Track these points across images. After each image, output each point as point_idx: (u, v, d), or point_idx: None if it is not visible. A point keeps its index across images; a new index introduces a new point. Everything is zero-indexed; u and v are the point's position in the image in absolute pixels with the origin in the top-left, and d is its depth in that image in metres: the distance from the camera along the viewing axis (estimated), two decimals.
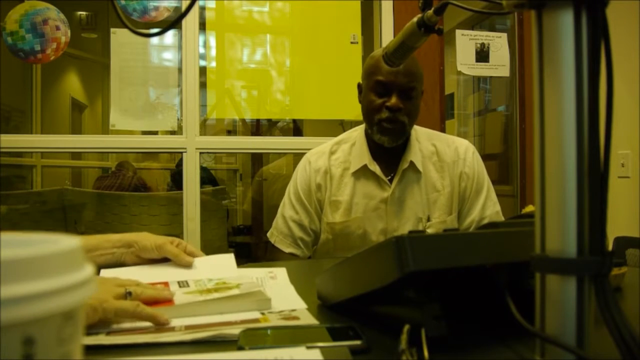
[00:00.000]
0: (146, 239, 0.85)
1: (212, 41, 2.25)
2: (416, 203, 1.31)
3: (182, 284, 0.75)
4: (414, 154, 1.32)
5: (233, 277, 0.77)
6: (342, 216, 1.32)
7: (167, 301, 0.65)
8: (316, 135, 2.31)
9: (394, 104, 1.24)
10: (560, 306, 0.42)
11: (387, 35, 2.30)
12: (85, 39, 4.53)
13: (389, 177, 1.32)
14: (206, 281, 0.75)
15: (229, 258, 0.88)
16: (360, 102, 1.35)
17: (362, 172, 1.33)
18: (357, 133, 1.39)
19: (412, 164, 1.31)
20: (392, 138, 1.28)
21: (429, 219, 1.32)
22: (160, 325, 0.59)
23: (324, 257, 1.37)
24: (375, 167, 1.31)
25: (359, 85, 1.37)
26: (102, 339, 0.54)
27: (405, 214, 1.31)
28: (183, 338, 0.55)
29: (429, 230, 1.29)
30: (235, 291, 0.67)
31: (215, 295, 0.66)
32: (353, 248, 1.31)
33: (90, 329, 0.56)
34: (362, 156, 1.33)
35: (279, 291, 0.74)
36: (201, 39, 2.16)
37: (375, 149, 1.33)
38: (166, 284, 0.75)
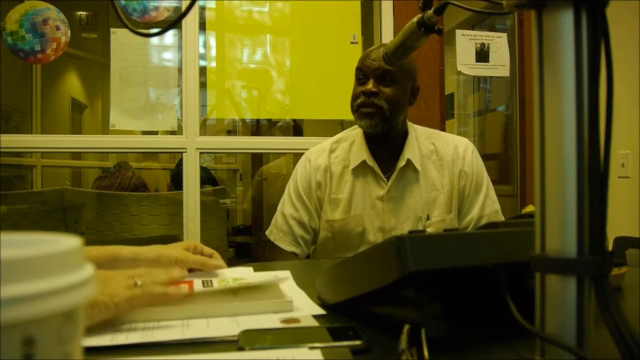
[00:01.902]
0: (164, 255, 0.78)
1: (212, 41, 2.25)
2: (415, 202, 1.32)
3: (207, 284, 0.73)
4: (412, 152, 1.32)
5: (257, 280, 0.76)
6: (341, 213, 1.33)
7: (179, 297, 0.63)
8: (316, 135, 2.31)
9: (367, 88, 1.27)
10: (560, 306, 0.42)
11: (387, 35, 2.30)
12: (85, 39, 4.53)
13: (387, 175, 1.33)
14: (230, 281, 0.74)
15: (249, 270, 0.88)
16: None
17: (362, 169, 1.33)
18: (357, 131, 1.39)
19: (409, 162, 1.31)
20: (369, 122, 1.28)
21: (428, 218, 1.32)
22: (175, 302, 0.58)
23: (323, 256, 1.37)
24: (373, 163, 1.32)
25: None
26: (103, 340, 0.54)
27: (404, 212, 1.32)
28: (183, 338, 0.55)
29: (429, 229, 1.29)
30: (257, 293, 0.66)
31: (237, 298, 0.65)
32: (352, 247, 1.31)
33: (106, 328, 0.55)
34: (361, 153, 1.33)
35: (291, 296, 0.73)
36: (201, 39, 2.16)
37: (374, 147, 1.34)
38: (191, 283, 0.73)
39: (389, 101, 1.27)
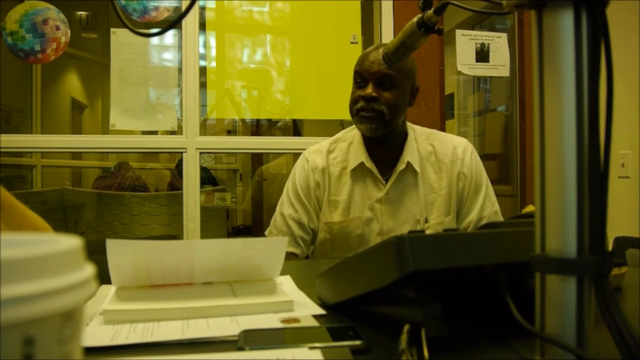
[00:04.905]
0: None
1: (212, 41, 2.25)
2: (414, 205, 1.31)
3: (207, 285, 0.72)
4: (412, 154, 1.32)
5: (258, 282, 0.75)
6: (340, 216, 1.32)
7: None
8: (316, 135, 2.31)
9: (366, 93, 1.25)
10: (560, 306, 0.42)
11: (387, 35, 2.30)
12: (85, 39, 4.53)
13: (386, 178, 1.32)
14: (231, 281, 0.73)
15: None
16: None
17: (360, 171, 1.33)
18: (355, 132, 1.38)
19: (409, 164, 1.31)
20: (369, 126, 1.27)
21: (426, 221, 1.31)
22: None
23: (322, 256, 1.36)
24: (372, 165, 1.31)
25: None
26: (103, 340, 0.54)
27: (402, 215, 1.31)
28: (183, 338, 0.55)
29: (427, 232, 1.29)
30: (257, 293, 0.66)
31: (237, 298, 0.65)
32: (351, 248, 1.31)
33: None
34: (359, 155, 1.33)
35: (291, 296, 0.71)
36: (201, 39, 2.16)
37: (373, 149, 1.33)
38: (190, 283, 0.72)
39: (389, 105, 1.25)
